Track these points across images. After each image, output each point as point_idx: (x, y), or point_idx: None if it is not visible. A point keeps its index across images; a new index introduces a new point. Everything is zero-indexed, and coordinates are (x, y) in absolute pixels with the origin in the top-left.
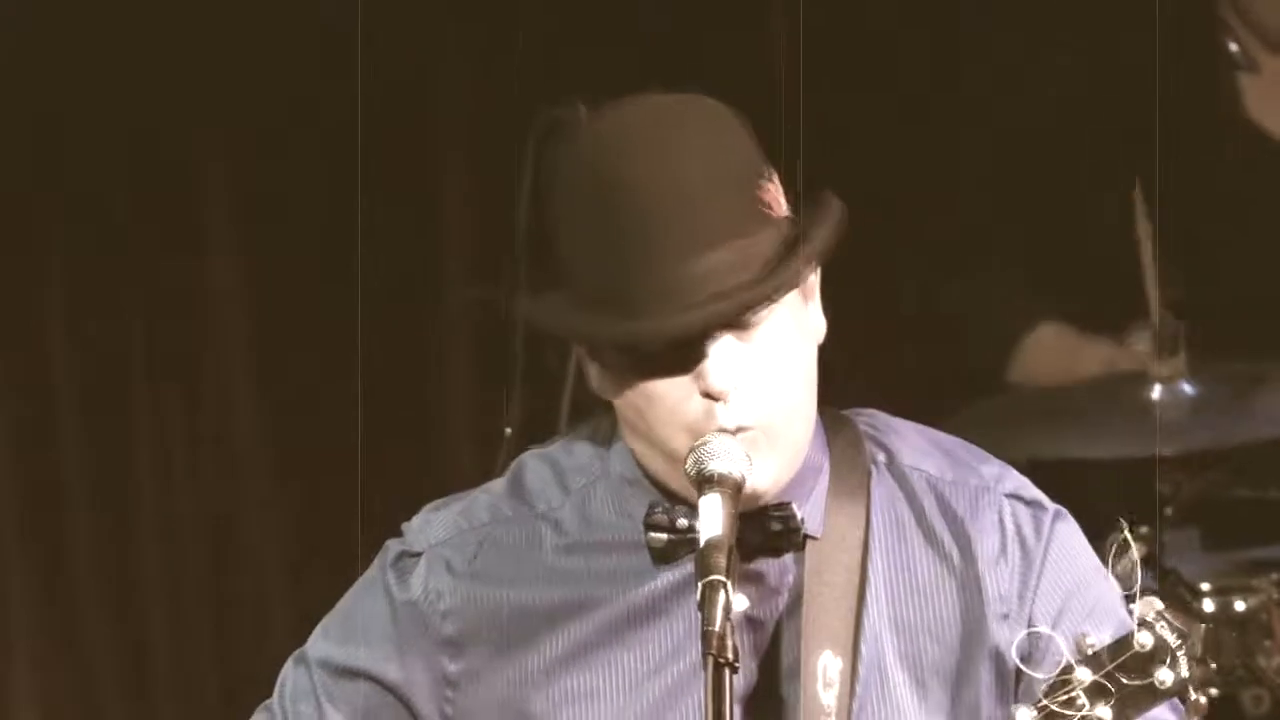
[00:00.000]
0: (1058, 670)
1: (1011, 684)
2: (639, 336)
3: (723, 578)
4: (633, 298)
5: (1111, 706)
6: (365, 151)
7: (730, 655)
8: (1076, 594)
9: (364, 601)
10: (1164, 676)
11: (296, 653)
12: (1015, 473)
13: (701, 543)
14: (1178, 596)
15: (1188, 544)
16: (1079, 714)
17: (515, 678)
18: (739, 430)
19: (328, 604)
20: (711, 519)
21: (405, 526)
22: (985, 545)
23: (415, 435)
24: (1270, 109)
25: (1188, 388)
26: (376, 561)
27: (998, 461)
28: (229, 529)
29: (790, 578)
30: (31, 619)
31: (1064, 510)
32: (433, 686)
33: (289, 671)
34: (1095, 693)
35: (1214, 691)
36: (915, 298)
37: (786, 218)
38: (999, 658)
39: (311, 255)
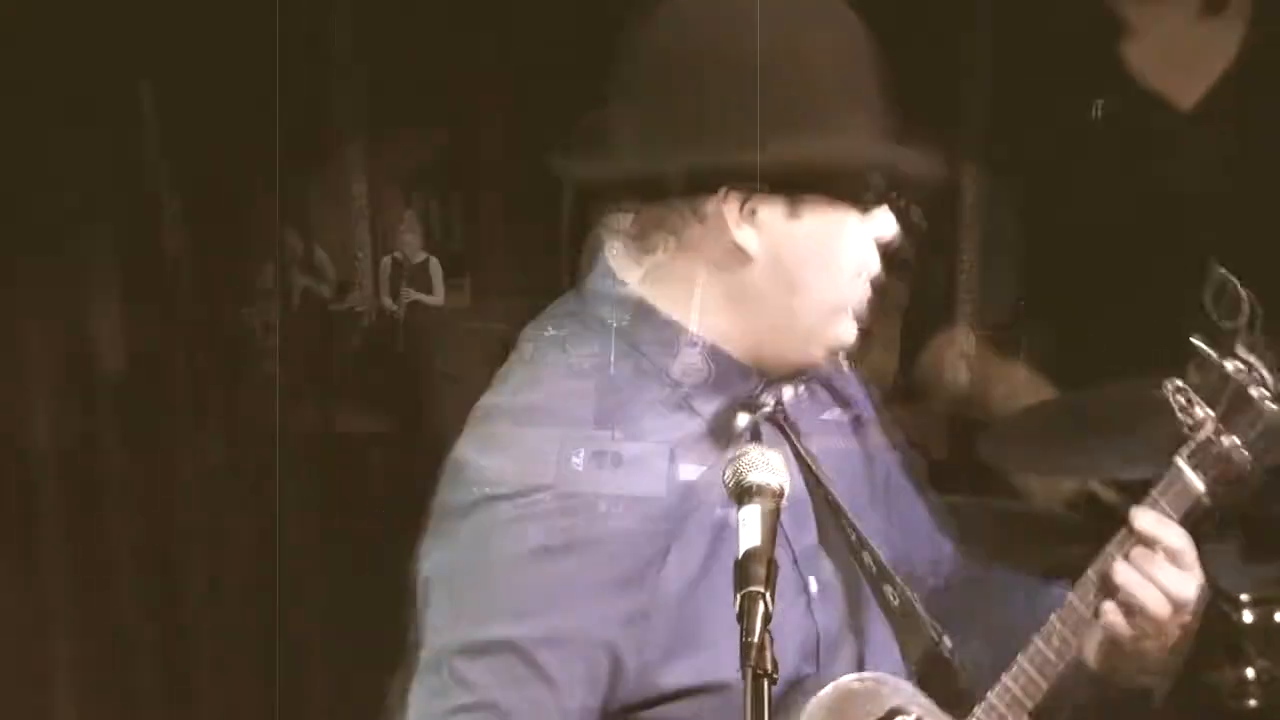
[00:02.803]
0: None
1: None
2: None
3: (762, 588)
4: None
5: None
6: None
7: (769, 666)
8: None
9: (527, 568)
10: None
11: (437, 652)
12: None
13: (740, 553)
14: (1216, 607)
15: (1227, 555)
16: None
17: (679, 591)
18: None
19: (373, 604)
20: (751, 529)
21: (478, 468)
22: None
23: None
24: None
25: None
26: (487, 524)
27: None
28: (274, 530)
29: None
30: (72, 621)
31: None
32: (626, 627)
33: (465, 672)
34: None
35: (1253, 702)
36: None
37: None
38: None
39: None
